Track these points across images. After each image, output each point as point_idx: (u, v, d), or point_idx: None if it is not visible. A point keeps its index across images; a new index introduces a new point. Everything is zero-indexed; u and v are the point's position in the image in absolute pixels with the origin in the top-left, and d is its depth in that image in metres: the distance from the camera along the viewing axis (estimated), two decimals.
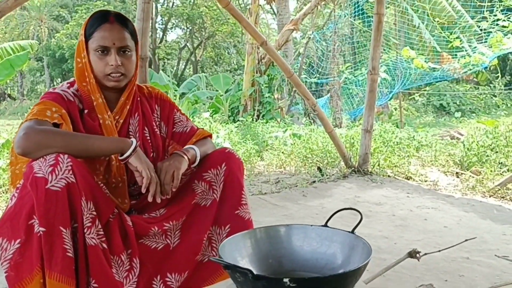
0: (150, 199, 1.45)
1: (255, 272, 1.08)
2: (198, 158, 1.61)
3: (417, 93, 15.02)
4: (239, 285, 1.18)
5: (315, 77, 11.10)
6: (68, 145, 1.35)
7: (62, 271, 1.26)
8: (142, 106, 1.67)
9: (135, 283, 1.46)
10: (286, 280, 1.08)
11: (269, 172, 4.43)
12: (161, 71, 14.47)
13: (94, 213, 1.34)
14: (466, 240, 1.98)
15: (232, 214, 1.66)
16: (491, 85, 15.11)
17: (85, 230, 1.31)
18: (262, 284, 1.12)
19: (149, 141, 1.65)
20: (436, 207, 3.18)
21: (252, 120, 7.62)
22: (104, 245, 1.37)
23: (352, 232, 1.37)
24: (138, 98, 1.66)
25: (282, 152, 5.09)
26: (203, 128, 1.78)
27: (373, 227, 2.71)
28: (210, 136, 1.76)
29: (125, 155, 1.42)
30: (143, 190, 1.46)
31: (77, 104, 1.53)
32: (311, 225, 1.45)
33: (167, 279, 1.54)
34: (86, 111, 1.54)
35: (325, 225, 1.44)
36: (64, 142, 1.35)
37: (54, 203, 1.25)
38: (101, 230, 1.37)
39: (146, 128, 1.66)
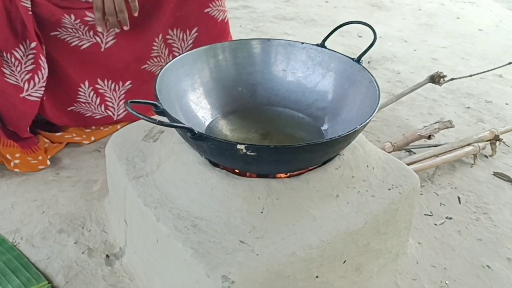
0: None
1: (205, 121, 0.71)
2: None
3: None
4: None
5: None
6: None
7: None
8: None
9: (42, 88, 1.12)
10: (241, 147, 0.71)
11: None
12: None
13: None
14: (508, 63, 1.53)
15: (199, 13, 1.22)
16: None
17: None
18: (208, 146, 0.75)
19: None
20: (474, 1, 2.61)
21: None
22: None
23: (358, 61, 0.93)
24: None
25: None
26: None
27: (391, 25, 2.23)
28: None
29: None
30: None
31: None
32: (302, 43, 1.01)
33: (98, 86, 1.20)
34: None
35: (322, 45, 0.99)
36: None
37: None
38: None
39: None
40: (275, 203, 0.78)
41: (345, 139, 0.77)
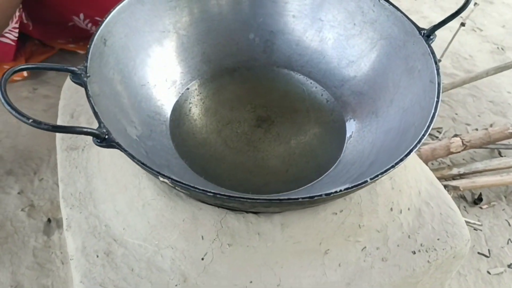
0: None
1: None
2: None
3: None
4: None
5: None
6: None
7: None
8: None
9: (16, 30, 0.88)
10: (164, 179, 0.44)
11: None
12: None
13: None
14: None
15: None
16: None
17: None
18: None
19: None
20: None
21: None
22: None
23: (427, 35, 0.57)
24: None
25: None
26: None
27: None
28: None
29: None
30: None
31: None
32: None
33: (97, 18, 0.94)
34: None
35: None
36: None
37: None
38: None
39: None
40: (225, 250, 0.52)
41: (345, 194, 0.46)
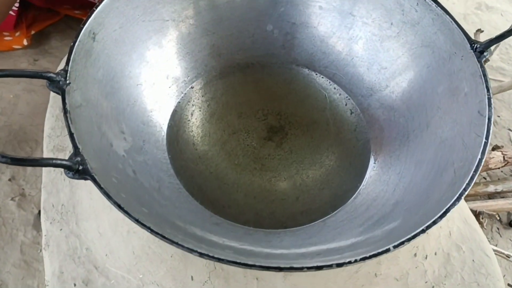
0: None
1: None
2: None
3: None
4: None
5: None
6: None
7: None
8: None
9: None
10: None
11: None
12: None
13: None
14: None
15: None
16: None
17: None
18: None
19: None
20: None
21: None
22: None
23: (480, 51, 0.47)
24: None
25: None
26: None
27: None
28: None
29: None
30: None
31: None
32: None
33: None
34: None
35: None
36: None
37: None
38: None
39: None
40: None
41: (359, 262, 0.38)
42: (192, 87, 0.57)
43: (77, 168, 0.38)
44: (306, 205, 0.50)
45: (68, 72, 0.43)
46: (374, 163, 0.53)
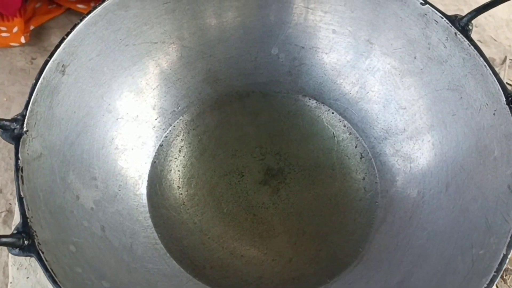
0: None
1: None
2: None
3: None
4: None
5: None
6: None
7: None
8: None
9: None
10: None
11: None
12: None
13: None
14: None
15: None
16: None
17: None
18: None
19: None
20: None
21: None
22: None
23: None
24: None
25: None
26: None
27: None
28: None
29: None
30: None
31: None
32: (424, 2, 0.45)
33: None
34: None
35: (463, 26, 0.43)
36: None
37: None
38: None
39: None
40: None
41: None
42: (181, 119, 0.51)
43: (21, 244, 0.32)
44: (299, 270, 0.44)
45: (26, 117, 0.37)
46: (383, 222, 0.46)
